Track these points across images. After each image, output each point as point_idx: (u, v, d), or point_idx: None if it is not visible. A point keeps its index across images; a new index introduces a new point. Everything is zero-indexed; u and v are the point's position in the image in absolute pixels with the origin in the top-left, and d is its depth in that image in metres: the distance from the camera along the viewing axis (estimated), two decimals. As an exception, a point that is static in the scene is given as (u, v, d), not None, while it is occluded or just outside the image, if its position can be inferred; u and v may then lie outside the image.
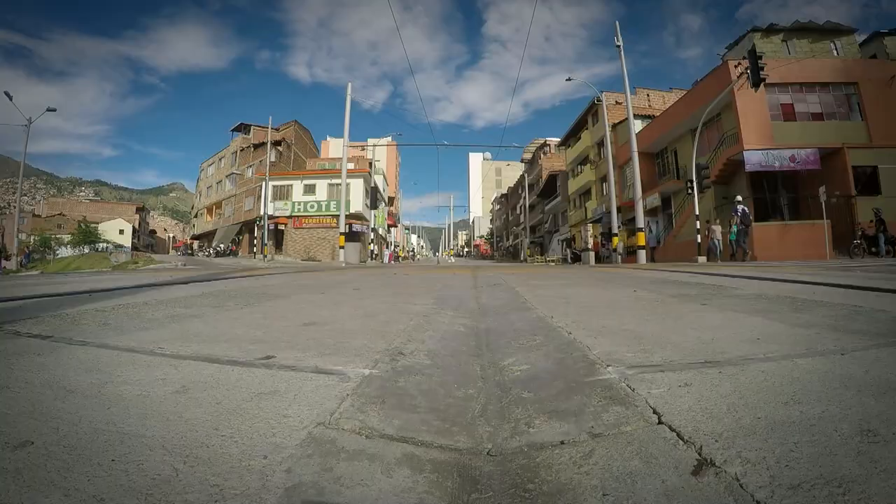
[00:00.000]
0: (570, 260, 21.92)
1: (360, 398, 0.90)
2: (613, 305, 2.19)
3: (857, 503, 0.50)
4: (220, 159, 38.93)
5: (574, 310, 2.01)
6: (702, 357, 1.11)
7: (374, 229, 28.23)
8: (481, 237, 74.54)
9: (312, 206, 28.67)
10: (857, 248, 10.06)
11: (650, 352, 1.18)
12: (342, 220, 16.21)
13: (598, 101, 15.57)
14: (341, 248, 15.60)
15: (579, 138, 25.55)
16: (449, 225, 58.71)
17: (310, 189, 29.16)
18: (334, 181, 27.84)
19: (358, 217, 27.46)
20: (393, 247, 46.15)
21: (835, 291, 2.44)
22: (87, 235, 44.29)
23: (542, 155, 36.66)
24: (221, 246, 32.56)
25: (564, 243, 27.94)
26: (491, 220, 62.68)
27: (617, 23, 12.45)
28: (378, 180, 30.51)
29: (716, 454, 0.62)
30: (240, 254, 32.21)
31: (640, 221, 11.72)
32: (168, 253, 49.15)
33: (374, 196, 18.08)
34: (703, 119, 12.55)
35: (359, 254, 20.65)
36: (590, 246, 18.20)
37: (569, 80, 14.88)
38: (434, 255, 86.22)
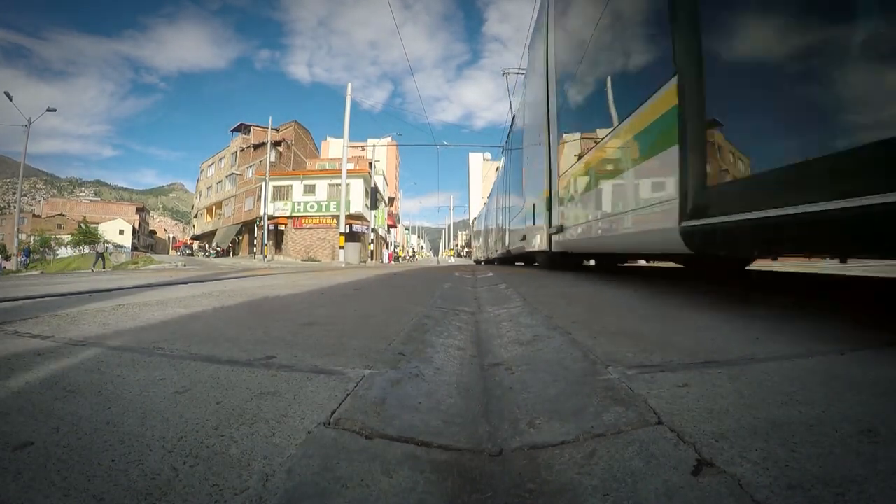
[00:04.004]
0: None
1: (360, 398, 0.90)
2: (615, 304, 2.19)
3: (857, 503, 0.50)
4: (220, 159, 38.96)
5: (574, 310, 2.01)
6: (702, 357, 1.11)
7: (374, 229, 28.26)
8: (481, 237, 74.46)
9: (312, 207, 28.69)
10: None
11: (650, 351, 1.18)
12: (342, 220, 16.22)
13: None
14: (341, 248, 15.62)
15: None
16: (449, 225, 58.76)
17: (310, 189, 29.18)
18: (334, 181, 27.86)
19: (358, 217, 27.49)
20: (393, 247, 46.16)
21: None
22: (86, 236, 44.35)
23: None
24: (218, 248, 32.68)
25: None
26: (491, 221, 62.56)
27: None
28: (378, 180, 30.54)
29: (716, 454, 0.62)
30: (240, 254, 32.21)
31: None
32: (168, 253, 49.20)
33: (374, 196, 18.11)
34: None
35: (359, 254, 20.66)
36: None
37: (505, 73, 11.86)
38: (434, 255, 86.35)
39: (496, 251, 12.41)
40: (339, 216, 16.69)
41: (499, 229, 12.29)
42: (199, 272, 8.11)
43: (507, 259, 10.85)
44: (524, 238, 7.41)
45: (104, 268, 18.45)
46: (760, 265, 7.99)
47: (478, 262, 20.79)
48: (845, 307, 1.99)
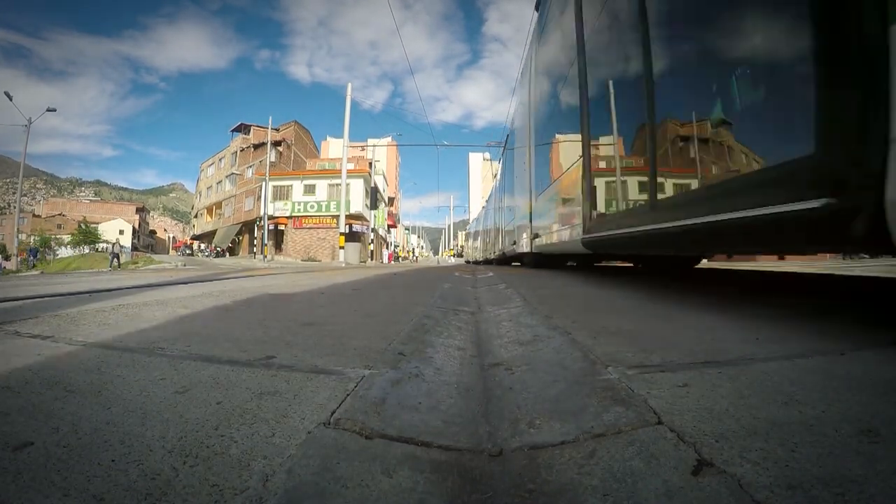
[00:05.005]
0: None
1: (360, 398, 0.90)
2: (615, 305, 2.19)
3: (857, 503, 0.50)
4: (220, 160, 38.96)
5: (574, 310, 2.01)
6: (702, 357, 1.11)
7: (374, 229, 28.25)
8: (481, 237, 74.36)
9: (312, 207, 28.67)
10: None
11: (650, 351, 1.18)
12: (342, 220, 16.23)
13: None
14: (341, 248, 15.62)
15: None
16: (449, 225, 58.77)
17: (310, 189, 29.17)
18: (334, 181, 27.85)
19: (358, 217, 27.48)
20: (393, 247, 46.16)
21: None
22: (86, 236, 44.39)
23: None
24: (218, 248, 32.81)
25: None
26: (491, 220, 62.52)
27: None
28: (378, 180, 30.54)
29: (716, 454, 0.62)
30: (240, 254, 32.23)
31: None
32: (168, 253, 49.18)
33: (373, 196, 18.10)
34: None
35: (359, 254, 20.67)
36: None
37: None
38: (434, 255, 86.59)
39: (494, 252, 14.44)
40: (339, 216, 16.70)
41: (497, 231, 14.29)
42: (199, 272, 8.11)
43: (504, 260, 12.51)
44: (514, 242, 9.24)
45: (119, 266, 18.69)
46: (750, 265, 7.98)
47: (468, 262, 25.29)
48: (843, 307, 1.99)
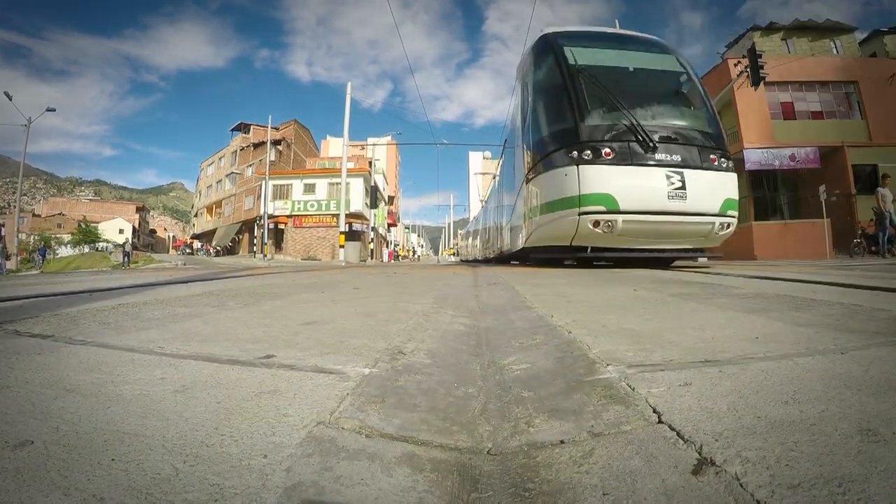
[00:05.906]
0: None
1: (360, 397, 0.90)
2: (614, 304, 2.19)
3: (857, 503, 0.50)
4: (219, 159, 38.92)
5: (574, 309, 2.01)
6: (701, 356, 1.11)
7: (373, 228, 28.24)
8: (481, 236, 74.40)
9: (312, 206, 28.67)
10: (858, 247, 10.09)
11: (649, 350, 1.18)
12: (342, 219, 16.21)
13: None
14: (341, 247, 15.61)
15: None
16: (449, 224, 58.78)
17: (310, 188, 29.16)
18: (334, 180, 27.83)
19: (358, 216, 27.47)
20: (393, 246, 46.15)
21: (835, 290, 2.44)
22: (87, 235, 44.40)
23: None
24: (218, 248, 32.90)
25: None
26: (491, 219, 62.57)
27: (617, 21, 12.72)
28: (378, 179, 30.52)
29: (716, 453, 0.62)
30: (240, 252, 32.24)
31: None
32: (168, 252, 49.13)
33: (373, 195, 18.10)
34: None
35: (359, 253, 20.69)
36: None
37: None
38: (434, 254, 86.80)
39: (493, 251, 16.09)
40: (339, 215, 16.67)
41: (486, 237, 17.55)
42: (198, 271, 8.11)
43: (489, 260, 16.13)
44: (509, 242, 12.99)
45: (128, 265, 19.25)
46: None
47: (463, 261, 27.46)
48: None
